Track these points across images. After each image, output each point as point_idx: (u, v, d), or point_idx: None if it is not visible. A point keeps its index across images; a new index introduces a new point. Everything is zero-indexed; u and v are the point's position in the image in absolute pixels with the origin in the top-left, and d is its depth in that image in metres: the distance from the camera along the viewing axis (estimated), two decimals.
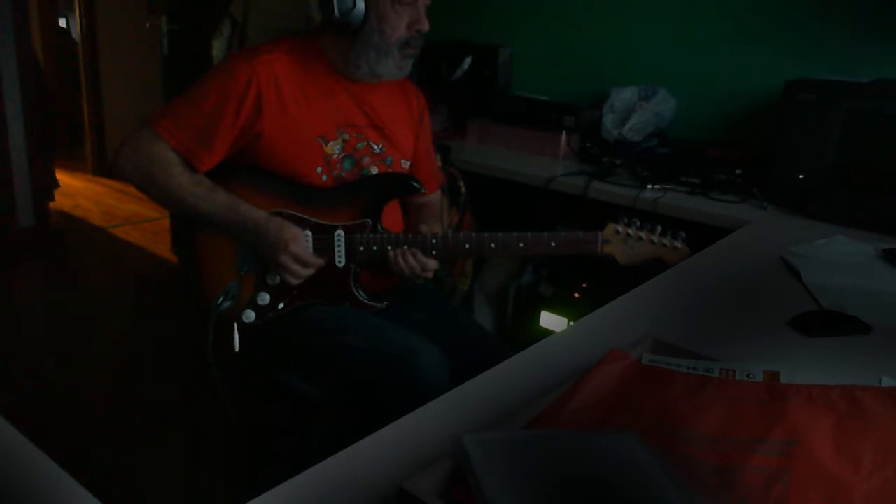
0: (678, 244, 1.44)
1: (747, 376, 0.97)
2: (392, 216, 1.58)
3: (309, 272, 1.41)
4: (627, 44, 2.61)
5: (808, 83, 1.95)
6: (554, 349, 1.12)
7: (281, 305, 1.46)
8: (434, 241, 1.42)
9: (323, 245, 1.44)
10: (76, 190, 5.09)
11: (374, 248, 1.43)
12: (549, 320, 2.40)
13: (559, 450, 0.75)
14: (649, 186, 2.08)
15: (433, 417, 0.91)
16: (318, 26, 1.54)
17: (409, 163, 1.61)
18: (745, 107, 2.38)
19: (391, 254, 1.43)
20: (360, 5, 1.39)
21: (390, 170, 1.55)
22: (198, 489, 2.05)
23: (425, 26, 1.45)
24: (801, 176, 1.94)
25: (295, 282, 1.41)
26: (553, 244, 1.43)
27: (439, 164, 1.94)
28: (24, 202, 3.92)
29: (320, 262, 1.42)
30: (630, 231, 1.43)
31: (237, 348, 1.44)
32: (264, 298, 1.45)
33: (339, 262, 1.45)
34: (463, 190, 2.26)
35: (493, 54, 2.76)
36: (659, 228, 1.44)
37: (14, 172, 3.83)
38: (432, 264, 1.44)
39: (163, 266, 3.85)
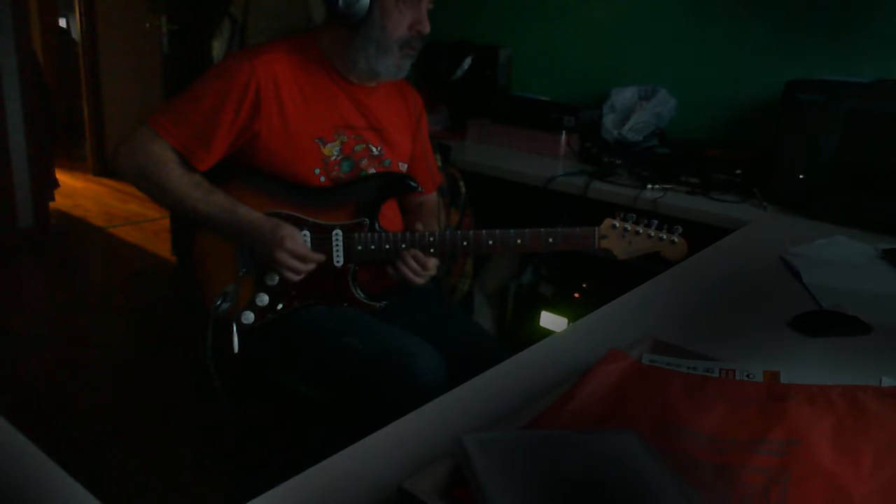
0: (675, 238, 1.44)
1: (747, 376, 0.97)
2: (391, 217, 1.58)
3: (308, 268, 1.40)
4: (627, 44, 2.61)
5: (808, 83, 1.95)
6: (554, 349, 1.12)
7: (280, 306, 1.45)
8: (431, 238, 1.42)
9: (321, 245, 1.44)
10: (76, 190, 5.09)
11: (373, 247, 1.43)
12: (549, 320, 2.40)
13: (559, 450, 0.75)
14: (649, 186, 2.08)
15: (433, 417, 0.91)
16: (319, 26, 1.54)
17: (406, 165, 1.61)
18: (745, 107, 2.38)
19: (389, 269, 1.43)
20: None
21: (388, 171, 1.55)
22: (197, 489, 2.05)
23: (426, 28, 1.45)
24: (801, 176, 1.94)
25: (295, 278, 1.40)
26: (550, 240, 1.43)
27: (439, 164, 1.94)
28: (24, 202, 3.92)
29: (320, 256, 1.42)
30: (627, 226, 1.43)
31: (236, 349, 1.43)
32: (263, 300, 1.45)
33: (338, 261, 1.45)
34: (463, 190, 2.26)
35: (493, 54, 2.76)
36: (655, 223, 1.45)
37: (14, 172, 3.83)
38: (432, 263, 1.44)
39: (163, 266, 3.85)
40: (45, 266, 3.94)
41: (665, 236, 1.44)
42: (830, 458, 0.75)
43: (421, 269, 1.43)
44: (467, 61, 2.68)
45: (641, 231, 1.44)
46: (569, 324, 2.31)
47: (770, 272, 1.50)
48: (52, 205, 4.25)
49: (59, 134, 5.33)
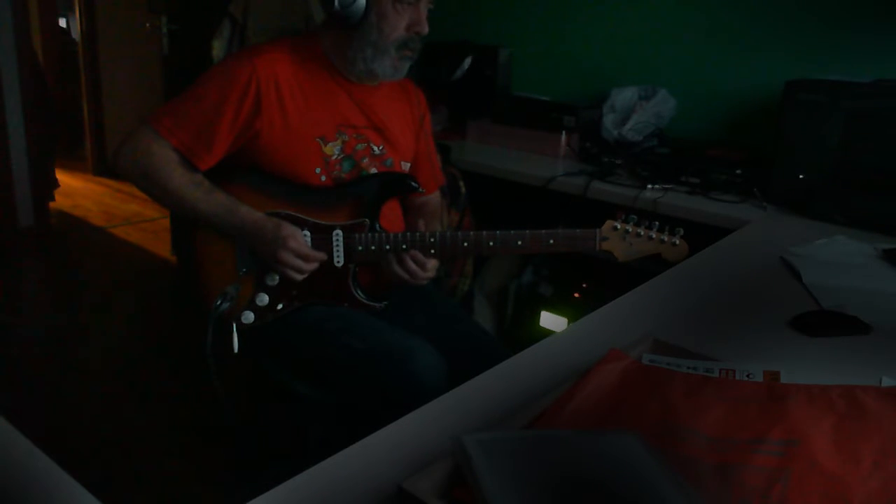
0: (676, 240, 1.44)
1: (747, 376, 0.97)
2: (392, 216, 1.58)
3: (311, 267, 1.41)
4: (627, 44, 2.61)
5: (808, 83, 1.95)
6: (554, 349, 1.12)
7: (280, 306, 1.45)
8: (432, 239, 1.42)
9: (321, 245, 1.43)
10: (76, 190, 5.09)
11: (373, 247, 1.43)
12: (549, 320, 2.40)
13: (559, 450, 0.75)
14: (649, 186, 2.08)
15: (433, 417, 0.91)
16: (319, 26, 1.54)
17: (409, 164, 1.61)
18: (745, 107, 2.38)
19: (385, 263, 1.43)
20: (362, 1, 1.39)
21: (389, 171, 1.55)
22: (197, 489, 2.05)
23: (424, 29, 1.45)
24: (801, 176, 1.94)
25: (298, 277, 1.40)
26: (551, 241, 1.43)
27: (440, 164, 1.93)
28: (24, 202, 3.92)
29: (322, 255, 1.42)
30: (628, 227, 1.43)
31: (236, 349, 1.43)
32: (263, 299, 1.45)
33: (338, 261, 1.45)
34: (463, 190, 2.26)
35: (493, 54, 2.76)
36: (657, 224, 1.44)
37: (14, 172, 3.84)
38: (431, 264, 1.44)
39: (163, 266, 3.85)
40: (45, 266, 3.94)
41: (666, 238, 1.44)
42: (830, 458, 0.75)
43: (420, 270, 1.42)
44: (467, 61, 2.68)
45: (643, 233, 1.44)
46: (569, 324, 2.31)
47: (770, 272, 1.50)
48: (52, 205, 4.25)
49: (59, 134, 5.33)
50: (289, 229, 1.38)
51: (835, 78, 1.99)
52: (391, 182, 1.52)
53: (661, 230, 1.44)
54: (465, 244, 1.44)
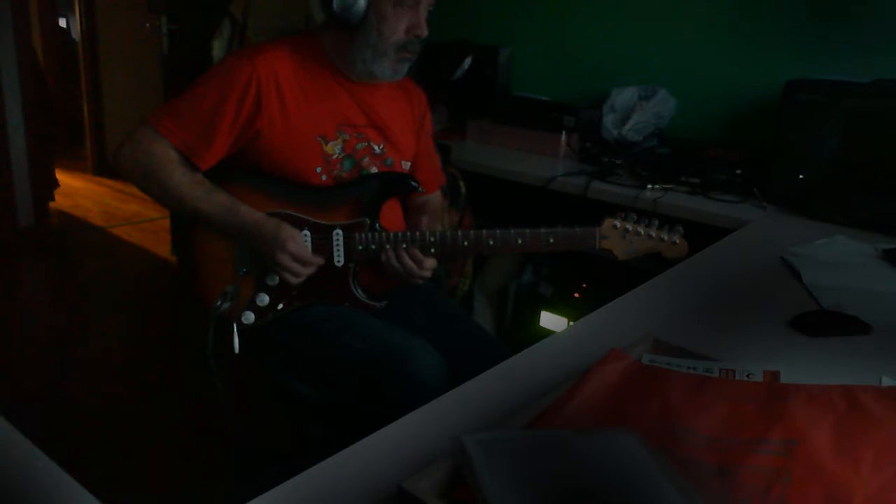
0: (676, 238, 1.44)
1: (747, 376, 0.97)
2: (393, 216, 1.58)
3: (309, 271, 1.41)
4: (627, 44, 2.61)
5: (808, 83, 1.95)
6: (554, 349, 1.12)
7: (280, 306, 1.45)
8: (432, 238, 1.42)
9: (321, 244, 1.44)
10: (76, 190, 5.09)
11: (373, 247, 1.43)
12: (549, 320, 2.40)
13: (559, 450, 0.75)
14: (649, 186, 2.08)
15: (433, 417, 0.91)
16: (319, 26, 1.54)
17: (409, 164, 1.61)
18: (745, 107, 2.38)
19: (384, 256, 1.43)
20: (362, 3, 1.39)
21: (390, 170, 1.55)
22: (198, 489, 2.05)
23: (424, 32, 1.45)
24: (801, 176, 1.94)
25: (295, 281, 1.40)
26: (551, 240, 1.43)
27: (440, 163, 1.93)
28: (24, 202, 3.93)
29: (319, 260, 1.42)
30: (628, 226, 1.43)
31: (237, 349, 1.43)
32: (263, 299, 1.45)
33: (338, 261, 1.45)
34: (463, 190, 2.26)
35: (493, 54, 2.76)
36: (656, 222, 1.44)
37: (14, 172, 3.84)
38: (429, 263, 1.43)
39: (163, 266, 3.85)
40: (45, 266, 3.94)
41: (666, 237, 1.44)
42: (830, 458, 0.75)
43: (416, 267, 1.42)
44: (467, 61, 2.68)
45: (642, 231, 1.43)
46: (569, 324, 2.31)
47: (770, 272, 1.50)
48: (52, 205, 4.25)
49: (59, 134, 5.33)
50: (288, 231, 1.38)
51: (835, 78, 1.99)
52: (391, 181, 1.52)
53: (660, 228, 1.44)
54: (465, 243, 1.43)
